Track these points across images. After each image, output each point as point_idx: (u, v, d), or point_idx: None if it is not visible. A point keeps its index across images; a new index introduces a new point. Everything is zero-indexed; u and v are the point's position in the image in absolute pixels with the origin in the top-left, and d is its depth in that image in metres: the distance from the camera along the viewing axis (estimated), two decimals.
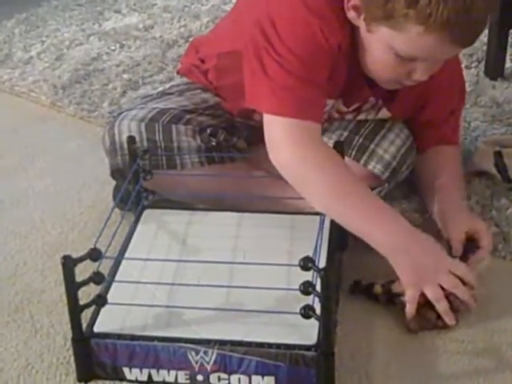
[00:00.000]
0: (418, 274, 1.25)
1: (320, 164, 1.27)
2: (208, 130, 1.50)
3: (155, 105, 1.52)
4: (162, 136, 1.47)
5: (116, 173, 1.50)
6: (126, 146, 1.41)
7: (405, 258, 1.25)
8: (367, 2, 1.23)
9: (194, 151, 1.48)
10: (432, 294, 1.24)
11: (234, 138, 1.54)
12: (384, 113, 1.50)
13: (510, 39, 2.12)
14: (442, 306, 1.24)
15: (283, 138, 1.29)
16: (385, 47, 1.26)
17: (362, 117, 1.50)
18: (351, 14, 1.27)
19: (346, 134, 1.49)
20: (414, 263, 1.25)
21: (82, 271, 1.14)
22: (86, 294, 1.17)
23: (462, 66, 2.07)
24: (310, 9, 1.28)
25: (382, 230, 1.26)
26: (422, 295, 1.25)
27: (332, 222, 1.32)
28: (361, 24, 1.27)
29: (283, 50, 1.28)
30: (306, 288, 1.06)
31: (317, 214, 1.28)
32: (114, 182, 1.58)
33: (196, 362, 1.13)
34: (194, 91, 1.57)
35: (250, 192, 1.42)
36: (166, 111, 1.50)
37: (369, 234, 1.27)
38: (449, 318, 1.25)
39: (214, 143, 1.49)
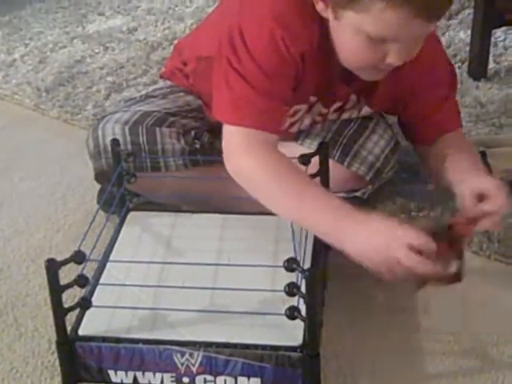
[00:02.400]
0: (370, 252, 1.18)
1: (271, 168, 1.26)
2: (192, 133, 1.50)
3: (139, 108, 1.52)
4: (146, 139, 1.47)
5: (100, 176, 1.50)
6: (110, 148, 1.41)
7: (350, 236, 1.19)
8: None
9: (178, 153, 1.48)
10: (402, 273, 1.18)
11: (217, 140, 1.53)
12: (367, 110, 1.50)
13: (492, 39, 2.13)
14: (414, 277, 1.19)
15: (238, 146, 1.28)
16: (354, 32, 1.24)
17: (345, 116, 1.50)
18: (320, 6, 1.27)
19: (329, 135, 1.49)
20: (361, 243, 1.18)
21: (67, 274, 1.13)
22: (70, 297, 1.17)
23: None
24: (276, 17, 1.28)
25: (320, 215, 1.23)
26: None
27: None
28: (329, 14, 1.27)
29: (247, 61, 1.27)
30: (291, 289, 1.06)
31: None
32: (98, 185, 1.58)
33: (182, 364, 1.13)
34: (177, 94, 1.57)
35: (234, 194, 1.42)
36: (150, 114, 1.50)
37: (315, 230, 1.25)
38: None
39: (197, 146, 1.49)
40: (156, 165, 1.48)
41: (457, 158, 1.39)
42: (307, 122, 1.49)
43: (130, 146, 1.45)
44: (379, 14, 1.19)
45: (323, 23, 1.29)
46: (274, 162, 1.27)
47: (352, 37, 1.26)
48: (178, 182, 1.46)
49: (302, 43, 1.29)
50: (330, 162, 1.40)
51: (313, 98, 1.44)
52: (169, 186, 1.47)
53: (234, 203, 1.41)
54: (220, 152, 1.51)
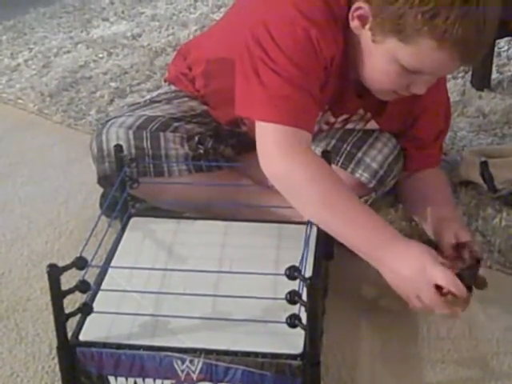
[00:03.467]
0: (400, 282, 1.23)
1: (309, 175, 1.26)
2: (196, 138, 1.50)
3: (143, 112, 1.52)
4: (150, 143, 1.47)
5: (103, 180, 1.50)
6: (113, 153, 1.41)
7: (384, 268, 1.24)
8: (378, 14, 1.23)
9: (181, 159, 1.48)
10: (417, 305, 1.23)
11: (221, 145, 1.54)
12: (373, 124, 1.50)
13: (496, 49, 2.13)
14: (438, 311, 1.23)
15: (275, 146, 1.28)
16: (389, 58, 1.26)
17: (350, 126, 1.51)
18: (355, 24, 1.28)
19: (333, 142, 1.49)
20: (395, 272, 1.22)
21: (69, 279, 1.13)
22: (72, 303, 1.17)
23: (449, 76, 2.10)
24: (308, 18, 1.28)
25: (362, 236, 1.25)
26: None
27: (318, 232, 1.32)
28: (363, 34, 1.28)
29: (280, 57, 1.27)
30: (292, 297, 1.06)
31: (303, 223, 1.28)
32: (100, 190, 1.58)
33: (182, 371, 1.12)
34: (181, 99, 1.57)
35: (237, 200, 1.42)
36: (154, 119, 1.50)
37: (351, 246, 1.26)
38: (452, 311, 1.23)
39: (201, 151, 1.49)
40: (159, 170, 1.48)
41: (434, 203, 1.44)
42: (315, 128, 1.50)
43: (133, 151, 1.46)
44: (426, 50, 1.21)
45: (347, 35, 1.31)
46: (315, 165, 1.27)
47: (385, 62, 1.27)
48: (181, 188, 1.46)
49: (332, 48, 1.30)
50: (334, 168, 1.40)
51: (325, 107, 1.45)
52: (172, 192, 1.48)
53: (236, 210, 1.41)
54: (223, 157, 1.52)
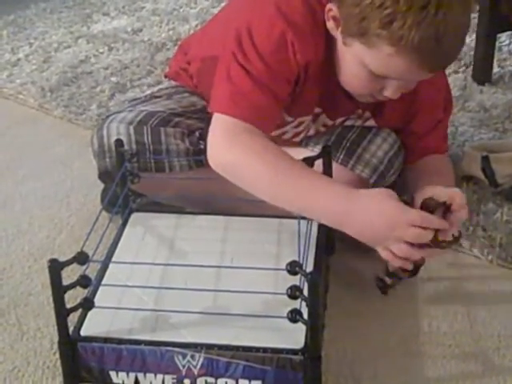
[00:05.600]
0: (374, 236, 1.21)
1: (254, 157, 1.25)
2: (196, 133, 1.50)
3: (144, 107, 1.52)
4: (151, 139, 1.47)
5: (104, 175, 1.50)
6: (114, 148, 1.41)
7: (353, 223, 1.21)
8: (345, 16, 1.23)
9: (182, 154, 1.48)
10: (400, 252, 1.20)
11: None
12: (371, 122, 1.50)
13: (497, 44, 2.13)
14: (416, 258, 1.22)
15: (223, 136, 1.28)
16: (358, 62, 1.26)
17: (349, 123, 1.51)
18: (330, 25, 1.28)
19: (333, 138, 1.49)
20: (365, 227, 1.21)
21: (70, 274, 1.13)
22: (73, 298, 1.17)
23: (450, 70, 2.10)
24: (287, 20, 1.28)
25: (320, 202, 1.23)
26: None
27: (319, 227, 1.32)
28: (338, 36, 1.28)
29: (252, 55, 1.28)
30: (293, 292, 1.06)
31: (304, 218, 1.28)
32: (102, 185, 1.58)
33: (183, 366, 1.13)
34: (182, 94, 1.57)
35: (237, 195, 1.42)
36: (155, 114, 1.50)
37: (310, 210, 1.24)
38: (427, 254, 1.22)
39: (202, 146, 1.49)
40: (160, 165, 1.48)
41: (430, 179, 1.40)
42: (312, 132, 1.50)
43: (134, 146, 1.45)
44: (386, 56, 1.20)
45: (329, 37, 1.30)
46: (262, 147, 1.25)
47: (355, 66, 1.27)
48: (182, 183, 1.46)
49: (309, 53, 1.30)
50: (334, 164, 1.40)
51: (317, 110, 1.44)
52: (173, 187, 1.47)
53: (237, 204, 1.41)
54: None
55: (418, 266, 1.26)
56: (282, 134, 1.47)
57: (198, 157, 1.47)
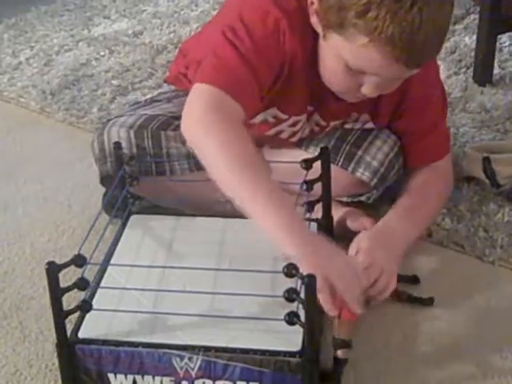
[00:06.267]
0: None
1: (223, 137, 1.21)
2: None
3: (144, 111, 1.53)
4: (151, 142, 1.47)
5: (105, 180, 1.50)
6: (112, 156, 1.41)
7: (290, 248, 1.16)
8: (324, 8, 1.23)
9: (183, 157, 1.48)
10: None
11: None
12: (371, 125, 1.50)
13: (498, 45, 2.12)
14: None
15: (200, 105, 1.26)
16: (336, 56, 1.26)
17: (348, 126, 1.51)
18: (313, 19, 1.28)
19: (333, 141, 1.49)
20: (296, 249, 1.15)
21: (72, 277, 1.14)
22: (75, 300, 1.17)
23: (451, 71, 2.10)
24: (283, 9, 1.29)
25: (267, 221, 1.17)
26: None
27: (318, 229, 1.32)
28: (319, 30, 1.28)
29: (243, 33, 1.29)
30: (290, 295, 1.06)
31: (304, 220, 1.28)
32: (102, 189, 1.57)
33: (181, 368, 1.12)
34: (181, 98, 1.57)
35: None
36: (155, 117, 1.50)
37: (259, 217, 1.18)
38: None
39: None
40: (161, 168, 1.48)
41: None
42: (307, 131, 1.50)
43: (135, 150, 1.45)
44: (361, 47, 1.20)
45: (316, 35, 1.30)
46: (229, 133, 1.22)
47: (333, 59, 1.27)
48: (184, 187, 1.46)
49: (297, 45, 1.30)
50: (334, 167, 1.40)
51: (310, 108, 1.44)
52: (173, 190, 1.47)
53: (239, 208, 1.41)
54: None
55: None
56: (278, 133, 1.47)
57: (198, 160, 1.47)
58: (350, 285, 1.15)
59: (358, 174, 1.46)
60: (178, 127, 1.48)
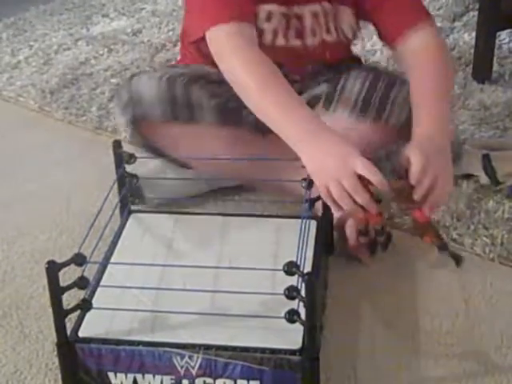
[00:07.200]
0: (320, 170, 1.26)
1: (247, 67, 1.35)
2: (222, 96, 1.50)
3: (167, 70, 1.54)
4: (183, 91, 1.48)
5: (137, 119, 1.50)
6: (142, 100, 1.45)
7: (310, 150, 1.27)
8: None
9: (212, 109, 1.49)
10: (335, 193, 1.24)
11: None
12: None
13: (497, 42, 2.12)
14: (346, 204, 1.25)
15: (223, 44, 1.39)
16: None
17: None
18: None
19: (361, 97, 1.51)
20: (316, 160, 1.27)
21: (72, 276, 1.14)
22: (75, 299, 1.17)
23: None
24: None
25: (290, 122, 1.30)
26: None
27: (318, 227, 1.31)
28: None
29: None
30: (291, 293, 1.06)
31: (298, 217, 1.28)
32: (102, 187, 1.56)
33: (181, 367, 1.12)
34: (197, 65, 1.57)
35: (262, 166, 1.45)
36: (182, 74, 1.51)
37: (280, 127, 1.31)
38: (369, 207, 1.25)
39: (230, 105, 1.49)
40: (190, 115, 1.48)
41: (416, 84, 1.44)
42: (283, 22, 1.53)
43: (165, 96, 1.46)
44: None
45: None
46: (252, 58, 1.37)
47: None
48: (209, 144, 1.50)
49: None
50: (367, 125, 1.46)
51: None
52: (200, 146, 1.50)
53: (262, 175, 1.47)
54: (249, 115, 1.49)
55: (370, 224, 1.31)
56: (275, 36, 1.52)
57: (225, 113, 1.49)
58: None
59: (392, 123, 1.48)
60: (204, 85, 1.50)
